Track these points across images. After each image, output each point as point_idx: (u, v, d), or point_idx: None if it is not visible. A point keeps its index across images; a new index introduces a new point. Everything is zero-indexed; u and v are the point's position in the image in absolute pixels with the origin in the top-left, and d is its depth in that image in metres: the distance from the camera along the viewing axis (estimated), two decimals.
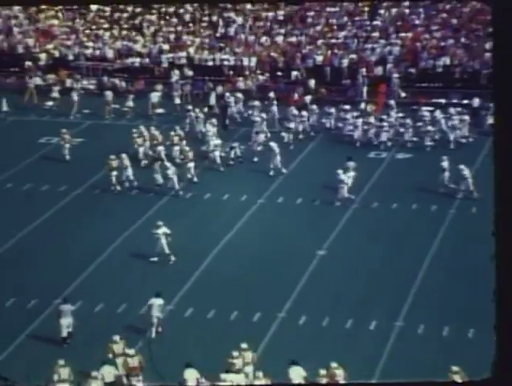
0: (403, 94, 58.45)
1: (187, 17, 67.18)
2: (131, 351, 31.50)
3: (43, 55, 64.71)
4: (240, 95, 56.99)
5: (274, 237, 41.65)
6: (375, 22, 65.03)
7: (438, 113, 53.25)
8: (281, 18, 66.29)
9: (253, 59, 62.91)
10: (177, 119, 54.75)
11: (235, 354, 30.50)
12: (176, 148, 49.43)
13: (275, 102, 55.53)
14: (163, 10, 67.76)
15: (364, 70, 60.85)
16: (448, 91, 58.22)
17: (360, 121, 52.78)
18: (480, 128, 52.53)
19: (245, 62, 62.84)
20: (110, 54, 64.52)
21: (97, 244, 40.42)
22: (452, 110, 53.69)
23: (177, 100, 57.68)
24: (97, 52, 64.87)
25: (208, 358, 31.23)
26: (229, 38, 65.28)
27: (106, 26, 67.15)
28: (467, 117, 52.69)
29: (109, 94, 58.23)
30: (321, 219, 43.67)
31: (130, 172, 46.57)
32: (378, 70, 61.47)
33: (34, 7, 67.36)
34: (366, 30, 64.56)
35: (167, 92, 58.92)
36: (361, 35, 64.16)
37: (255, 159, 49.61)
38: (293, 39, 64.54)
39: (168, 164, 46.60)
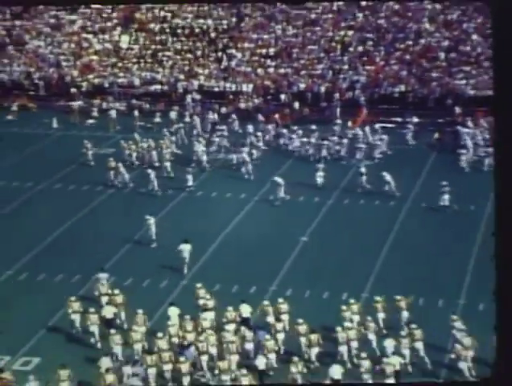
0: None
1: (199, 53, 67.11)
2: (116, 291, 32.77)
3: (84, 84, 64.79)
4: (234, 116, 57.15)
5: (267, 227, 41.63)
6: (345, 58, 65.05)
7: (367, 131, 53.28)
8: (272, 54, 66.21)
9: (250, 86, 63.06)
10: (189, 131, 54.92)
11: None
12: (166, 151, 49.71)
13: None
14: (179, 47, 67.63)
15: (337, 95, 61.03)
16: (403, 111, 58.28)
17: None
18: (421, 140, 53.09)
19: (244, 88, 62.99)
20: (137, 82, 64.61)
21: (125, 231, 40.53)
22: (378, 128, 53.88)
23: (187, 119, 57.53)
24: (127, 81, 64.95)
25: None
26: (231, 69, 65.33)
27: (134, 60, 67.04)
28: (385, 136, 52.47)
29: (136, 113, 58.33)
30: (304, 213, 43.69)
31: (126, 176, 46.78)
32: (349, 94, 61.67)
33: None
34: (339, 64, 64.60)
35: (181, 111, 58.91)
36: (334, 67, 64.23)
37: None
38: (281, 70, 64.61)
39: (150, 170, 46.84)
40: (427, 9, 67.14)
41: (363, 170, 46.97)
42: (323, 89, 62.17)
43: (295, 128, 54.12)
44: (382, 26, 66.90)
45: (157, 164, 48.96)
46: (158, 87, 64.23)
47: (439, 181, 44.26)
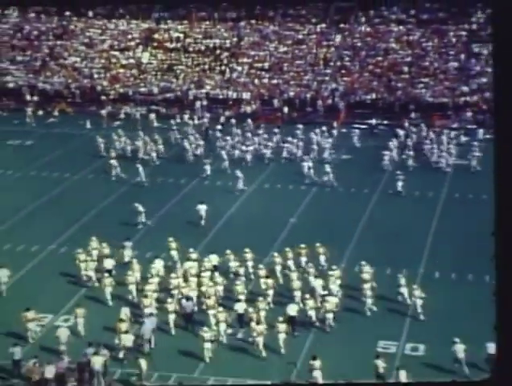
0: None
1: (206, 67, 66.95)
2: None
3: (112, 92, 64.68)
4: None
5: (263, 209, 41.58)
6: (327, 70, 64.98)
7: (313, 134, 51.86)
8: (266, 67, 66.05)
9: (248, 94, 62.96)
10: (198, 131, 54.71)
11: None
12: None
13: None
14: (190, 62, 67.48)
15: (320, 101, 60.98)
16: (374, 115, 58.30)
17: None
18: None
19: (243, 96, 62.89)
20: (155, 90, 64.50)
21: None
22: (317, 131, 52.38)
23: (196, 121, 57.30)
24: (147, 89, 64.84)
25: None
26: (233, 80, 65.23)
27: (153, 72, 66.91)
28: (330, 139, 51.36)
29: (152, 116, 58.19)
30: (293, 198, 43.58)
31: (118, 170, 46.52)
32: (329, 101, 61.64)
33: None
34: (321, 75, 64.51)
35: (191, 115, 58.85)
36: (318, 79, 64.14)
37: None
38: (274, 81, 64.52)
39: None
40: (394, 31, 67.05)
41: (306, 164, 46.52)
42: (308, 96, 62.15)
43: (260, 132, 53.01)
44: (357, 45, 66.80)
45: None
46: (173, 94, 64.09)
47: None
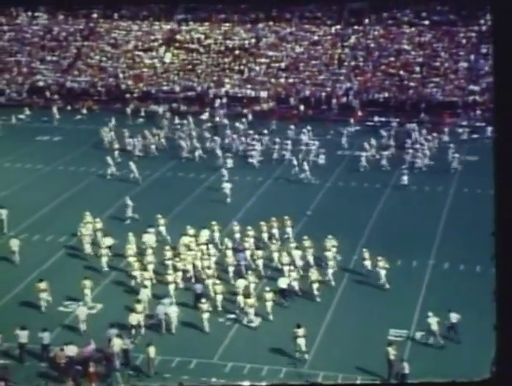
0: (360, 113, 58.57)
1: (226, 66, 66.95)
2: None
3: (136, 90, 64.84)
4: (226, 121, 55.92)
5: (281, 202, 41.52)
6: (341, 70, 64.83)
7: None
8: (283, 67, 65.97)
9: (266, 92, 62.91)
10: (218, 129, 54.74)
11: None
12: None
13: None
14: (210, 62, 67.50)
15: (335, 100, 60.84)
16: (387, 113, 58.11)
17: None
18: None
19: (261, 94, 62.85)
20: (177, 88, 64.62)
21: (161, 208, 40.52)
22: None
23: (217, 118, 57.49)
24: (169, 88, 64.94)
25: None
26: (251, 79, 65.20)
27: (175, 72, 67.00)
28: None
29: (167, 114, 58.37)
30: (308, 192, 43.63)
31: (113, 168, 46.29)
32: (344, 99, 61.47)
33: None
34: (336, 75, 64.35)
35: (211, 112, 58.92)
36: (333, 78, 63.99)
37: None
38: (290, 80, 64.44)
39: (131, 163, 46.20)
40: (406, 33, 66.76)
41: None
42: (323, 95, 61.99)
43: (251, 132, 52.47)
44: (370, 45, 66.56)
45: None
46: (194, 93, 64.12)
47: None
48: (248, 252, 33.43)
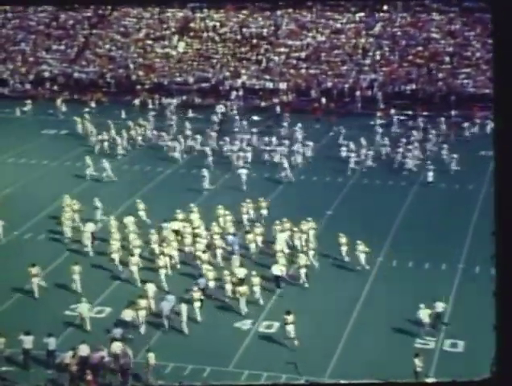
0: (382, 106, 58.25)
1: (242, 56, 66.95)
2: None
3: (147, 82, 64.97)
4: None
5: (303, 201, 41.51)
6: (366, 60, 64.65)
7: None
8: (303, 57, 65.90)
9: (285, 84, 62.85)
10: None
11: None
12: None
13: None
14: (226, 51, 67.53)
15: (359, 92, 60.69)
16: (414, 106, 57.87)
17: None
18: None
19: (280, 86, 62.79)
20: (191, 80, 64.69)
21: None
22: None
23: (235, 111, 57.50)
24: (182, 79, 65.04)
25: None
26: (270, 70, 65.17)
27: (189, 62, 67.05)
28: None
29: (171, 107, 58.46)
30: (330, 191, 43.58)
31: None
32: (368, 92, 61.30)
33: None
34: (360, 66, 64.19)
35: (227, 105, 58.92)
36: (356, 69, 63.84)
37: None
38: (311, 71, 64.34)
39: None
40: (435, 20, 66.46)
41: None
42: (346, 87, 61.85)
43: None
44: (397, 34, 66.31)
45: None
46: (208, 84, 64.18)
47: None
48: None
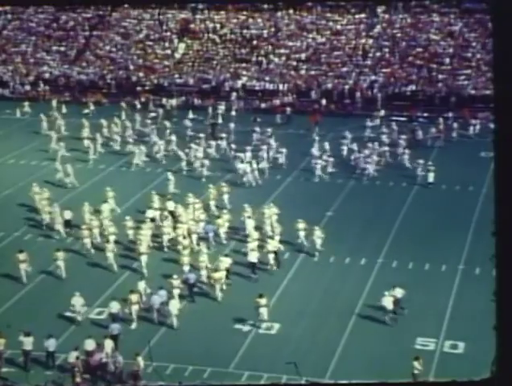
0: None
1: (242, 57, 66.92)
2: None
3: (148, 83, 64.87)
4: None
5: (304, 202, 41.45)
6: (366, 62, 64.64)
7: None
8: (303, 58, 65.89)
9: (285, 85, 62.82)
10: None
11: None
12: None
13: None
14: (226, 53, 67.54)
15: (359, 93, 60.66)
16: (414, 107, 57.87)
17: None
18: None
19: (280, 87, 62.77)
20: (191, 81, 64.67)
21: None
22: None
23: (233, 113, 57.48)
24: (183, 80, 65.01)
25: None
26: (270, 71, 65.15)
27: (189, 63, 67.06)
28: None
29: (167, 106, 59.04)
30: (328, 192, 43.54)
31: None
32: (368, 93, 61.27)
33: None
34: (360, 67, 64.18)
35: (228, 106, 58.93)
36: (356, 70, 63.82)
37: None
38: (312, 72, 64.31)
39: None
40: (435, 21, 66.50)
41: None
42: (346, 88, 61.83)
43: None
44: (397, 35, 66.33)
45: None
46: (208, 85, 64.13)
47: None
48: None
